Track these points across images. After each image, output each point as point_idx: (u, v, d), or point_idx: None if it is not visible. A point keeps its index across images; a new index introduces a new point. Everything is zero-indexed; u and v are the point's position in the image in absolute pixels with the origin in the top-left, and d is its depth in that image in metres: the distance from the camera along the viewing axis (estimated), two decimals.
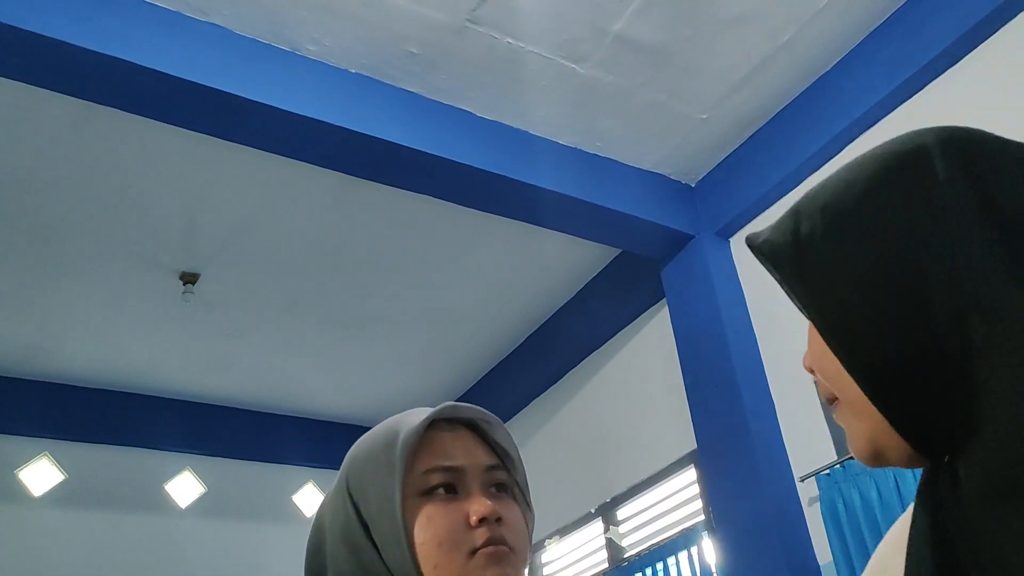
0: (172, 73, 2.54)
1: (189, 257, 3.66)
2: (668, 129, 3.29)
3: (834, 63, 3.05)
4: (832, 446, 2.95)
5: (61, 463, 4.31)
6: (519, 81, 2.99)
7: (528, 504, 0.85)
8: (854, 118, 2.94)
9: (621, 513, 3.92)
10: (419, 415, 0.81)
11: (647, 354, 3.92)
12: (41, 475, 4.26)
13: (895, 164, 0.64)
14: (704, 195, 3.56)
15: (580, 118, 3.18)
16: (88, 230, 3.44)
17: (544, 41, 2.85)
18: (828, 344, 0.62)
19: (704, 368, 3.37)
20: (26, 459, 4.24)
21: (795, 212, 0.68)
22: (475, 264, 3.88)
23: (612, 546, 3.90)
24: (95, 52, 2.42)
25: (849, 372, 0.61)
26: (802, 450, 3.07)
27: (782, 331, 3.24)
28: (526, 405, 4.62)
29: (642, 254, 3.64)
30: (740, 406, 3.17)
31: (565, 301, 4.22)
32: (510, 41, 2.84)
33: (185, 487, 4.59)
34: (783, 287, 0.66)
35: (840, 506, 2.76)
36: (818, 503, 2.89)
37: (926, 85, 2.83)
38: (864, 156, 0.67)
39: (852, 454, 0.67)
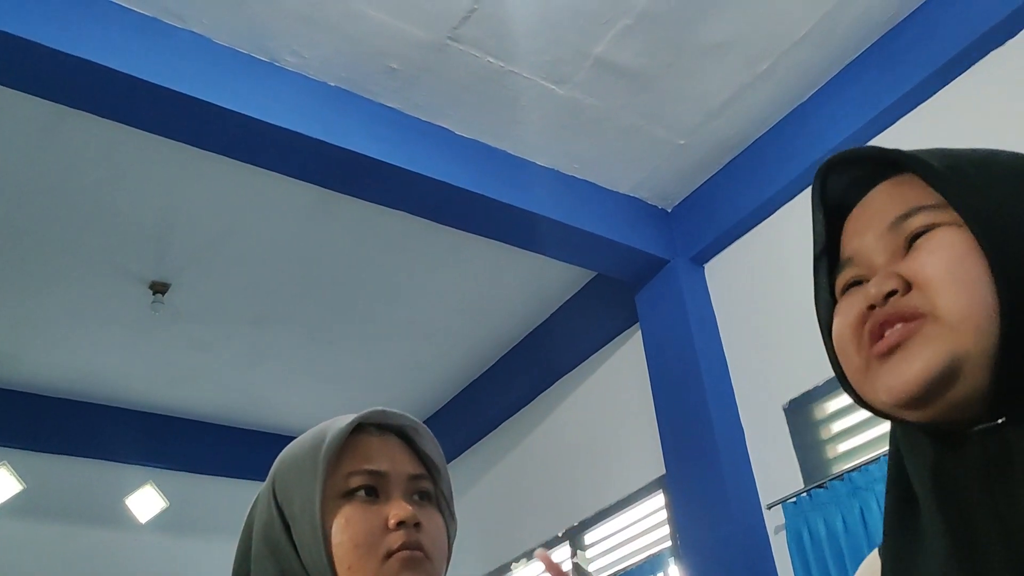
0: (149, 79, 2.52)
1: (160, 266, 3.62)
2: (646, 153, 3.30)
3: (811, 93, 3.09)
4: (799, 474, 2.95)
5: (20, 473, 4.21)
6: (499, 100, 3.00)
7: (451, 514, 0.86)
8: (831, 147, 2.97)
9: (589, 537, 3.89)
10: (347, 419, 0.82)
11: (619, 378, 3.91)
12: None
13: None
14: (680, 220, 3.57)
15: (559, 139, 3.19)
16: (57, 235, 3.39)
17: (525, 61, 2.86)
18: (982, 239, 0.58)
19: (675, 394, 3.37)
20: None
21: (913, 151, 0.66)
22: (450, 282, 3.86)
23: (578, 570, 3.86)
24: (71, 55, 2.40)
25: (994, 269, 0.57)
26: (770, 478, 3.07)
27: (753, 358, 3.25)
28: (497, 426, 4.59)
29: (617, 277, 3.64)
30: (710, 432, 3.17)
31: (539, 322, 4.21)
32: (491, 60, 2.84)
33: (146, 501, 4.50)
34: (935, 184, 0.62)
35: (806, 535, 2.76)
36: (784, 531, 2.88)
37: (901, 117, 2.87)
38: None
39: (899, 381, 0.59)
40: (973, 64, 2.71)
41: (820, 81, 3.05)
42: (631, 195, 3.51)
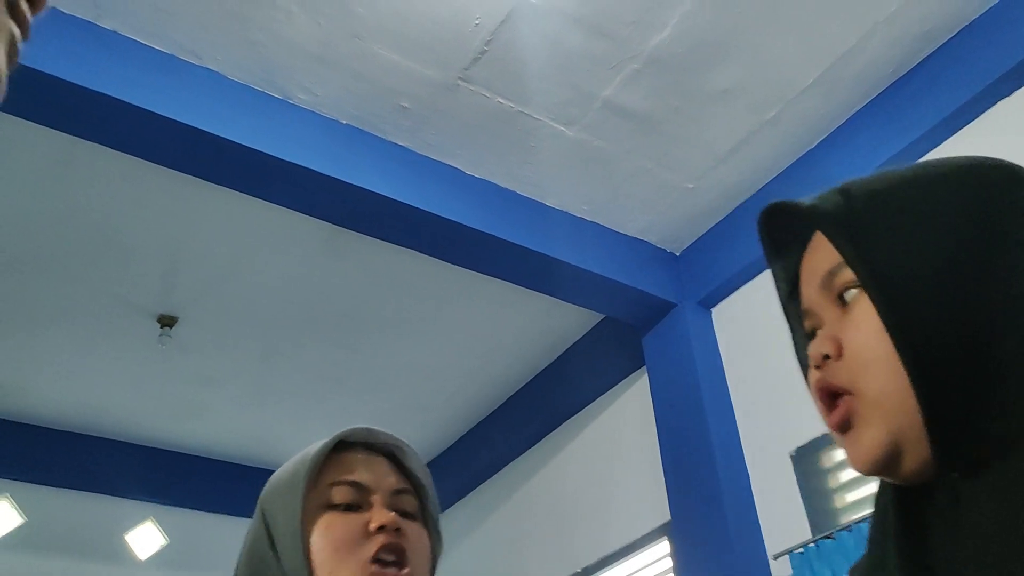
0: (163, 113, 2.56)
1: (168, 299, 3.63)
2: (654, 197, 3.32)
3: (819, 140, 3.10)
4: (807, 524, 2.90)
5: (21, 505, 4.19)
6: (508, 141, 3.02)
7: (438, 533, 0.85)
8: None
9: None
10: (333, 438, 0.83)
11: (625, 422, 3.88)
12: (0, 518, 4.14)
13: (967, 167, 0.62)
14: (688, 264, 3.57)
15: (568, 180, 3.21)
16: (67, 266, 3.41)
17: (534, 102, 2.89)
18: (884, 316, 0.57)
19: (681, 439, 3.33)
20: None
21: (842, 189, 0.64)
22: (457, 322, 3.86)
23: None
24: (87, 88, 2.44)
25: (900, 350, 0.56)
26: (777, 527, 3.01)
27: (761, 405, 3.21)
28: (501, 468, 4.55)
29: (624, 320, 3.63)
30: (715, 479, 3.13)
31: (545, 365, 4.19)
32: (501, 101, 2.87)
33: (146, 538, 4.46)
34: (838, 248, 0.61)
35: None
36: None
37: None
38: (914, 169, 0.65)
39: (853, 462, 0.61)
40: (980, 114, 2.72)
41: (827, 129, 3.06)
42: (640, 238, 3.51)
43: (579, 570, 3.85)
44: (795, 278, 0.69)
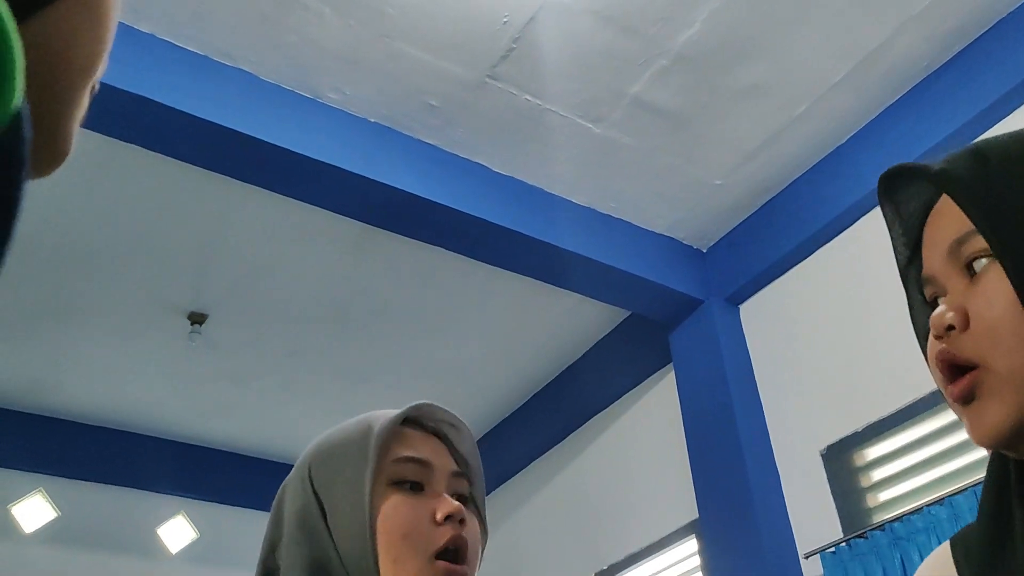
0: (196, 114, 2.59)
1: (199, 297, 3.67)
2: (682, 193, 3.31)
3: (848, 136, 3.08)
4: (838, 523, 2.88)
5: (55, 500, 4.26)
6: (536, 138, 3.03)
7: (484, 522, 0.84)
8: (868, 190, 2.95)
9: None
10: (394, 411, 0.81)
11: (651, 419, 3.87)
12: (34, 512, 4.21)
13: None
14: (715, 261, 3.56)
15: (596, 177, 3.21)
16: (100, 265, 3.46)
17: (563, 100, 2.89)
18: (1020, 289, 0.55)
19: (708, 436, 3.32)
20: (20, 495, 4.19)
21: (975, 152, 0.61)
22: (484, 319, 3.87)
23: None
24: (120, 90, 2.47)
25: None
26: (807, 526, 2.99)
27: (790, 402, 3.19)
28: (526, 465, 4.56)
29: (651, 317, 3.62)
30: (744, 477, 3.11)
31: (571, 361, 4.19)
32: (528, 98, 2.88)
33: (177, 532, 4.52)
34: (970, 215, 0.58)
35: None
36: None
37: None
38: None
39: (974, 434, 0.59)
40: (1015, 110, 2.68)
41: (857, 125, 3.04)
42: (667, 234, 3.51)
43: (605, 568, 3.86)
44: (916, 243, 0.66)
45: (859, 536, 2.69)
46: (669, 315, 3.56)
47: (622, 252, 3.34)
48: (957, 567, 0.64)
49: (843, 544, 2.74)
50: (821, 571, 2.82)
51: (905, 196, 0.67)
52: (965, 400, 0.59)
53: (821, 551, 2.80)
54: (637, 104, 2.91)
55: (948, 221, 0.62)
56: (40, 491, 4.23)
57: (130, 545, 4.41)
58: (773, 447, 3.21)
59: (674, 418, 3.58)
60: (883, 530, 2.62)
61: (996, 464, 0.63)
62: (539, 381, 4.33)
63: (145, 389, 4.20)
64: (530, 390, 4.40)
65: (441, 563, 0.73)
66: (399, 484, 0.77)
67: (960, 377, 0.59)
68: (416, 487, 0.77)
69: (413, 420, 0.83)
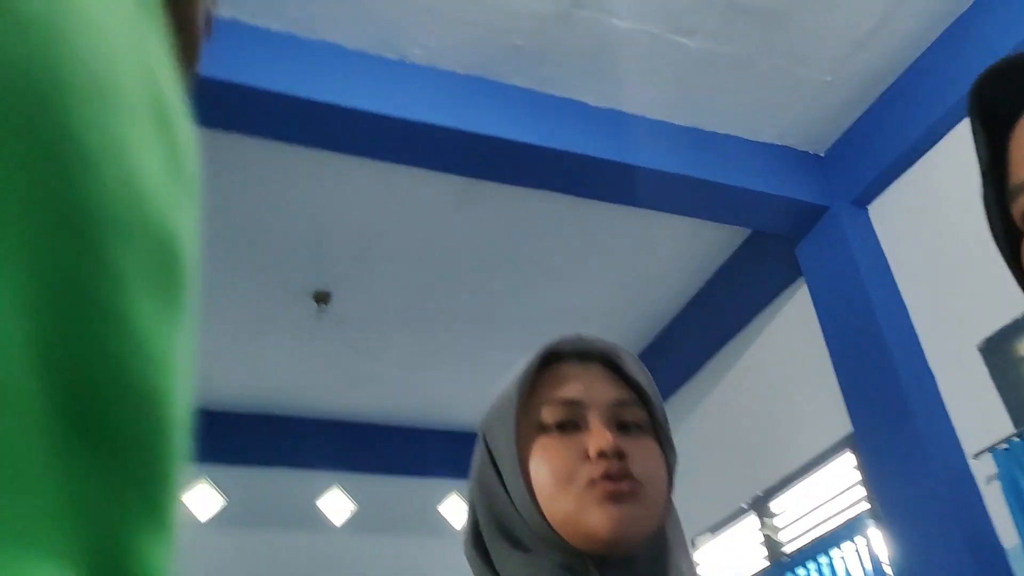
0: (289, 92, 2.61)
1: (320, 276, 3.76)
2: (790, 97, 3.13)
3: (969, 3, 2.83)
4: (1007, 416, 2.70)
5: (221, 487, 4.49)
6: (630, 64, 2.92)
7: (669, 442, 0.78)
8: (999, 56, 2.70)
9: (775, 506, 3.74)
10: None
11: (789, 336, 3.73)
12: (203, 500, 4.46)
13: None
14: (836, 163, 3.37)
15: (696, 95, 3.08)
16: (223, 257, 3.58)
17: (651, 18, 2.77)
18: None
19: (853, 347, 3.17)
20: (187, 484, 4.45)
21: None
22: (601, 258, 3.81)
23: (770, 541, 3.72)
24: (216, 80, 2.52)
25: None
26: (972, 424, 2.83)
27: (937, 299, 3.01)
28: (667, 399, 4.49)
29: (773, 232, 3.48)
30: (896, 384, 2.96)
31: (697, 290, 4.08)
32: (616, 22, 2.77)
33: (336, 504, 4.70)
34: None
35: (1023, 482, 2.52)
36: (997, 481, 2.65)
37: None
38: None
39: None
40: None
41: None
42: (779, 143, 3.34)
43: (760, 493, 3.77)
44: (1000, 149, 0.62)
45: None
46: (793, 227, 3.41)
47: (734, 168, 3.20)
48: None
49: (1015, 438, 2.57)
50: (994, 470, 2.66)
51: (997, 95, 0.62)
52: None
53: (992, 448, 2.64)
54: (730, 8, 2.76)
55: None
56: (205, 480, 4.47)
57: (295, 522, 4.61)
58: (924, 349, 3.04)
59: (812, 332, 3.44)
60: None
61: None
62: (668, 313, 4.25)
63: (284, 372, 4.36)
64: (660, 323, 4.32)
65: (601, 483, 0.70)
66: (546, 427, 0.75)
67: None
68: (567, 426, 0.75)
69: (568, 354, 0.80)
